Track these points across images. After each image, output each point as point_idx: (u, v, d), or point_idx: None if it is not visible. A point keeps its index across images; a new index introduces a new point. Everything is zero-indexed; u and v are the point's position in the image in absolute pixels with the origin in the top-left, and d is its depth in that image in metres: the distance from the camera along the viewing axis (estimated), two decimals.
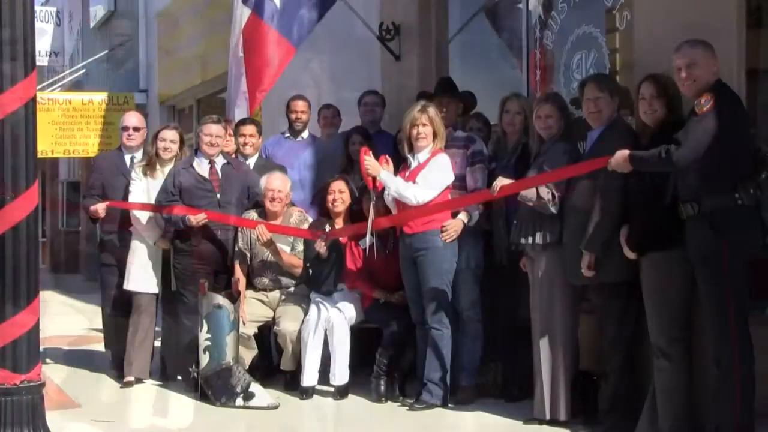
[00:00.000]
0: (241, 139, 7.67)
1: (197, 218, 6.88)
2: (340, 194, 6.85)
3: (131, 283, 7.29)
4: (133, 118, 7.83)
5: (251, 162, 7.65)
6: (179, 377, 7.23)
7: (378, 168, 6.28)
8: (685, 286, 4.99)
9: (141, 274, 7.27)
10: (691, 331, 5.10)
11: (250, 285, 7.11)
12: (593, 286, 5.46)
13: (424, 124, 6.27)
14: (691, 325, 5.08)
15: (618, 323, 5.39)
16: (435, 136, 6.29)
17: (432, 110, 6.31)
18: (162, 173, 7.24)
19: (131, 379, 7.18)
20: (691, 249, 4.80)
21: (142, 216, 7.22)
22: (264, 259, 7.03)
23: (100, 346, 8.32)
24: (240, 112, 8.15)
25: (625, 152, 4.91)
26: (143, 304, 7.29)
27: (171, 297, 7.27)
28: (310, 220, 7.15)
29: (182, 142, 7.48)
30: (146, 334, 7.31)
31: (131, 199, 7.29)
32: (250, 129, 7.68)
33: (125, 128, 7.70)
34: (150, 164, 7.30)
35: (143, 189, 7.25)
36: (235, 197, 7.17)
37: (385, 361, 6.52)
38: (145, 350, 7.31)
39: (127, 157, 7.61)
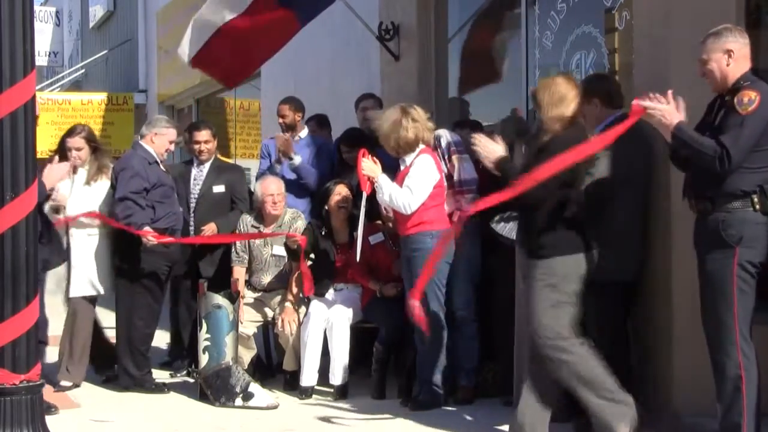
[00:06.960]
0: (196, 146, 7.50)
1: (149, 240, 6.56)
2: (342, 201, 6.86)
3: (75, 289, 6.76)
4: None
5: (206, 166, 7.52)
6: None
7: (375, 170, 6.25)
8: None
9: (85, 276, 6.76)
10: None
11: (249, 285, 7.12)
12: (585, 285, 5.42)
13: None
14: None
15: (602, 323, 5.34)
16: (409, 143, 6.18)
17: (384, 127, 6.21)
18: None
19: (68, 384, 6.76)
20: (700, 245, 4.70)
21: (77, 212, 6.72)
22: (263, 260, 7.04)
23: None
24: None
25: (678, 117, 4.50)
26: (81, 308, 6.81)
27: (127, 292, 6.81)
28: (303, 217, 7.17)
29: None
30: (86, 341, 6.85)
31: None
32: (205, 135, 7.50)
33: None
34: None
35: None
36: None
37: (383, 357, 6.54)
38: (86, 356, 6.87)
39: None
